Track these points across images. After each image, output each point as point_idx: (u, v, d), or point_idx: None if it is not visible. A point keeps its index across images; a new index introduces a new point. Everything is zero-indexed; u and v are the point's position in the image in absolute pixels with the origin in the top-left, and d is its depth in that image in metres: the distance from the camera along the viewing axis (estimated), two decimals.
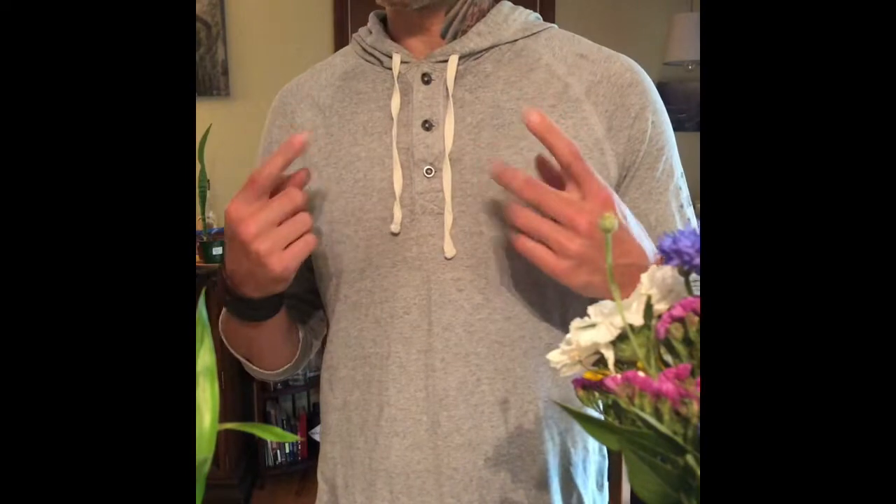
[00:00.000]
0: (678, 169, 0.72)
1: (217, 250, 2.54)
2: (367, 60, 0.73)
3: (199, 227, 2.64)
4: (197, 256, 2.54)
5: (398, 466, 0.69)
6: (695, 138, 2.65)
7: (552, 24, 0.73)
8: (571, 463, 0.73)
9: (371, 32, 0.73)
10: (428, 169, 0.67)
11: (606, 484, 0.79)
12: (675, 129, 0.73)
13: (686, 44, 2.70)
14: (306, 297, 0.82)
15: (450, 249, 0.66)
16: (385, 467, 0.70)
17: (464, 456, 0.68)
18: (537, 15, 0.74)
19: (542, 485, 0.70)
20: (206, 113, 2.71)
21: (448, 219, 0.66)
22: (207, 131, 2.63)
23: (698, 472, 0.35)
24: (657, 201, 0.70)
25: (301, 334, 0.81)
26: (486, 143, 0.67)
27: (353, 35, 0.76)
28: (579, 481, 0.74)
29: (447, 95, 0.67)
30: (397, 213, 0.67)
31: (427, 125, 0.67)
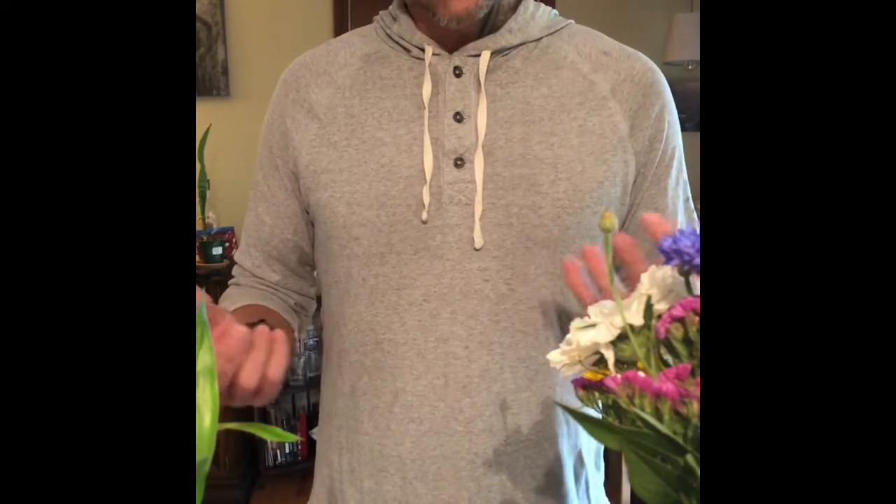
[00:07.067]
0: (683, 164, 0.75)
1: (217, 250, 2.54)
2: (390, 47, 0.73)
3: (199, 227, 2.64)
4: (197, 256, 2.54)
5: (413, 452, 0.70)
6: (695, 138, 2.64)
7: (570, 21, 0.74)
8: (581, 446, 0.74)
9: (396, 19, 0.73)
10: (457, 160, 0.68)
11: (603, 464, 0.80)
12: None
13: (686, 44, 2.70)
14: (299, 288, 0.83)
15: (479, 240, 0.67)
16: (398, 453, 0.70)
17: (485, 441, 0.69)
18: (555, 11, 0.74)
19: (557, 468, 0.72)
20: (206, 113, 2.71)
21: (478, 209, 0.67)
22: (207, 131, 2.63)
23: (698, 472, 0.35)
24: (672, 196, 0.73)
25: (296, 334, 0.82)
26: (518, 138, 0.68)
27: (375, 17, 0.75)
28: (588, 461, 0.76)
29: (479, 89, 0.68)
30: (427, 201, 0.67)
31: (458, 117, 0.68)
